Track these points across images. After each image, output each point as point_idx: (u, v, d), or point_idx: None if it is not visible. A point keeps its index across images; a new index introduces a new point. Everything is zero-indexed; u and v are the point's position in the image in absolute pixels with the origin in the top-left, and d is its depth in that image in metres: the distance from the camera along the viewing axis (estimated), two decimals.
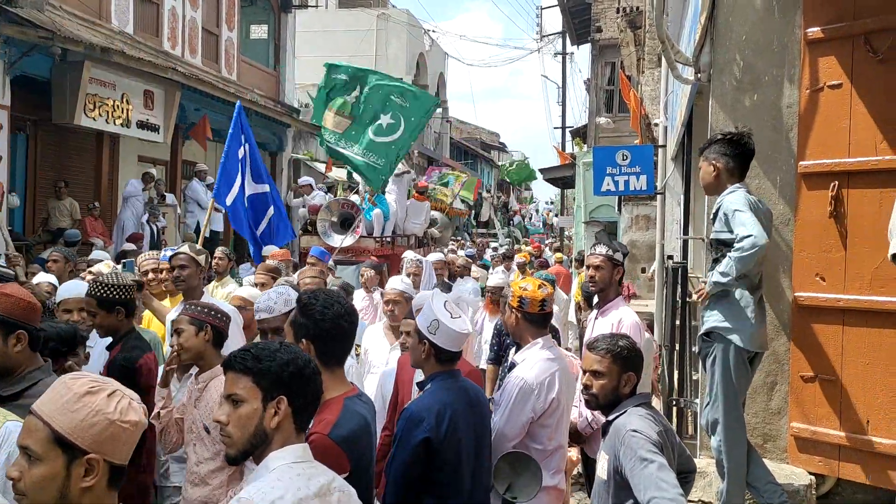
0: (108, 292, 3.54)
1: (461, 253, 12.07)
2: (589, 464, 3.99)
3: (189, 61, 13.02)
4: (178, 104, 11.65)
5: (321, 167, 16.65)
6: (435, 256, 8.02)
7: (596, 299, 4.24)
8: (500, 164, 44.55)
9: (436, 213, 14.13)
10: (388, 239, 10.34)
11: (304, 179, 13.89)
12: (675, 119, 7.47)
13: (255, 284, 5.58)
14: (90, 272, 5.55)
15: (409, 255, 7.60)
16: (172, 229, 11.57)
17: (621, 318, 3.94)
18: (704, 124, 4.77)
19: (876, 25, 3.84)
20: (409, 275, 6.64)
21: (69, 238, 9.01)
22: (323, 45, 24.44)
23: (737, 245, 3.44)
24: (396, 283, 4.72)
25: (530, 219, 34.79)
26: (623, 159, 8.22)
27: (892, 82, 3.80)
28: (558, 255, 15.58)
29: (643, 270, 11.70)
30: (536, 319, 3.34)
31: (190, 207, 12.43)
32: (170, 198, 11.92)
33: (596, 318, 4.14)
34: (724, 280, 3.50)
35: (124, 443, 1.59)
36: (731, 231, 3.49)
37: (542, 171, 22.99)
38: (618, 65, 17.77)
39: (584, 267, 4.22)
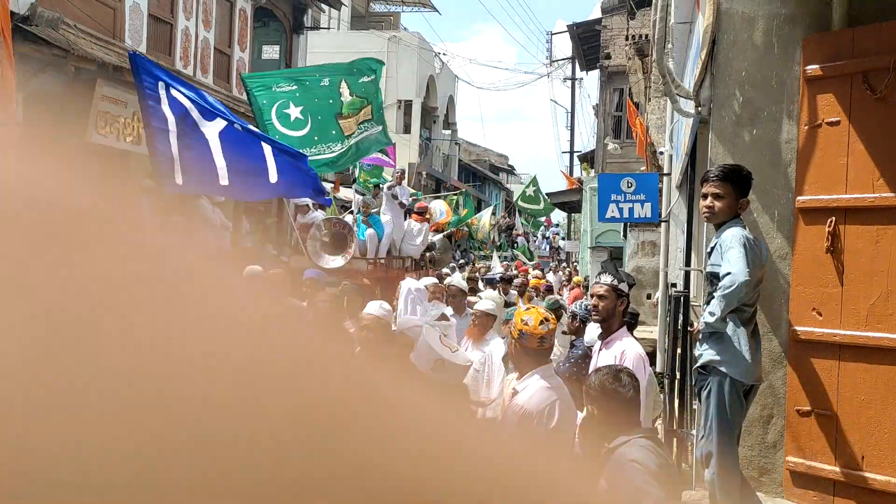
0: None
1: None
2: None
3: (201, 80, 13.19)
4: None
5: (327, 187, 16.76)
6: (429, 280, 7.75)
7: (599, 330, 4.27)
8: (508, 186, 44.68)
9: (435, 236, 14.07)
10: (382, 261, 10.25)
11: (299, 200, 13.49)
12: (679, 148, 7.55)
13: None
14: None
15: (417, 280, 7.47)
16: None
17: (624, 350, 3.94)
18: (707, 155, 4.83)
19: (874, 64, 3.90)
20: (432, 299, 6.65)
21: None
22: (330, 62, 24.68)
23: (720, 284, 3.49)
24: (373, 307, 4.62)
25: (536, 242, 34.80)
26: (628, 187, 8.25)
27: (890, 121, 3.86)
28: (578, 278, 15.57)
29: (649, 297, 11.69)
30: (535, 354, 3.36)
31: (197, 225, 12.51)
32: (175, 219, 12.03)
33: (600, 349, 4.14)
34: (712, 320, 3.54)
35: None
36: None
37: (549, 195, 23.07)
38: (626, 91, 17.90)
39: (589, 294, 4.22)
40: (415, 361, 2.93)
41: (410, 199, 11.59)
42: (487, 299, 7.57)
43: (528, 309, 3.47)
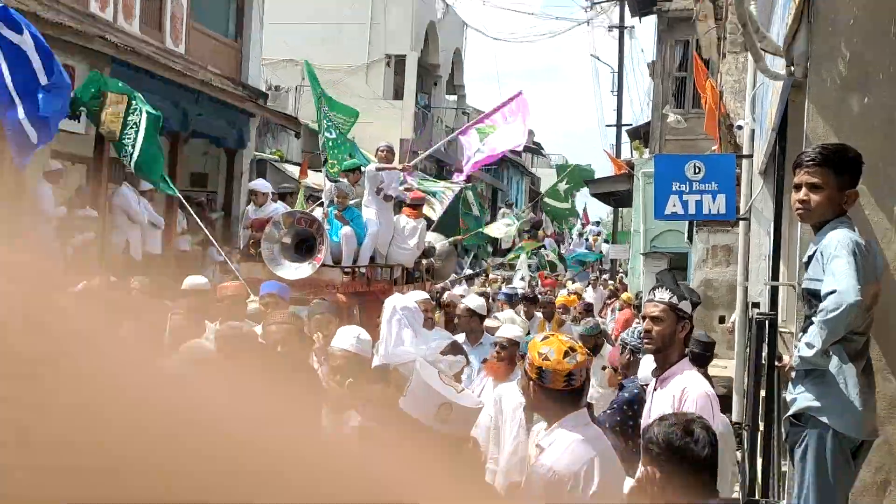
0: None
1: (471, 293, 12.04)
2: None
3: (123, 28, 13.25)
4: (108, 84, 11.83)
5: (294, 171, 16.82)
6: (418, 295, 7.49)
7: (652, 363, 4.26)
8: (533, 171, 44.75)
9: (434, 237, 13.87)
10: (363, 270, 10.14)
11: (259, 184, 13.08)
12: (764, 121, 7.54)
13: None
14: None
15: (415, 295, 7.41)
16: (92, 250, 11.68)
17: (685, 388, 3.94)
18: (801, 130, 4.82)
19: None
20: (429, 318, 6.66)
21: None
22: (300, 10, 24.76)
23: (821, 305, 3.48)
24: (345, 337, 4.57)
25: (569, 245, 34.82)
26: (695, 173, 8.27)
27: None
28: (627, 295, 15.58)
29: (721, 320, 11.69)
30: (561, 397, 3.36)
31: (117, 221, 12.55)
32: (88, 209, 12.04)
33: (654, 389, 4.15)
34: (809, 354, 3.52)
35: None
36: None
37: (588, 183, 23.08)
38: (692, 45, 17.88)
39: (640, 317, 4.24)
40: (409, 410, 2.90)
41: (403, 190, 11.45)
42: (511, 323, 7.56)
43: (545, 338, 3.47)
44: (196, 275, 9.17)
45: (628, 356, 5.68)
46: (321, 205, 10.74)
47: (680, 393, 3.93)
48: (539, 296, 13.71)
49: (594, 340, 8.57)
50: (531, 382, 3.40)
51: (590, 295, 18.06)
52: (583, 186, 28.73)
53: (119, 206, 12.60)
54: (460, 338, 7.77)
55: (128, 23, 13.49)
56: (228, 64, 16.72)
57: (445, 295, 11.91)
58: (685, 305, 4.06)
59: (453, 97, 32.71)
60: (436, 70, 30.09)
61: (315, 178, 15.82)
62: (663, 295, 4.07)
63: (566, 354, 3.34)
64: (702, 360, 6.31)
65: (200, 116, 14.15)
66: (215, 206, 16.11)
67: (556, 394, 3.35)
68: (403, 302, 6.10)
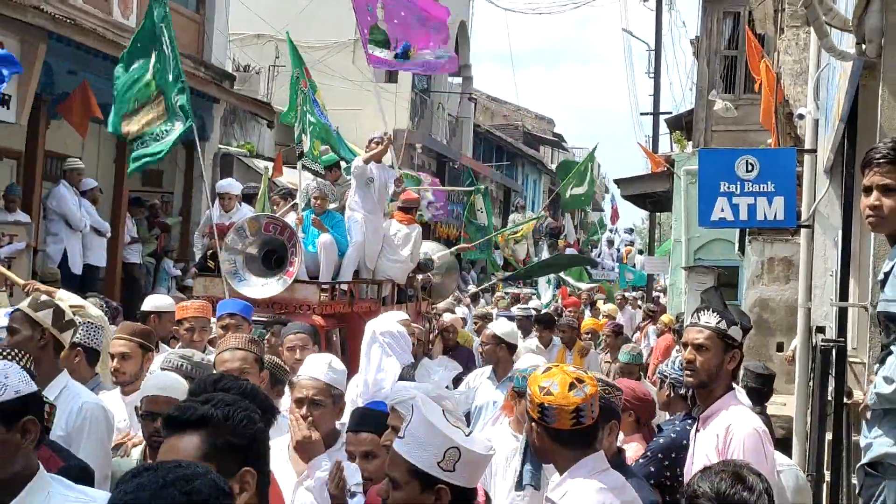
0: None
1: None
2: None
3: None
4: (42, 64, 11.84)
5: (265, 166, 16.83)
6: (398, 316, 7.20)
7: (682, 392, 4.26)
8: (552, 168, 44.79)
9: (432, 247, 13.71)
10: (345, 288, 9.98)
11: (230, 184, 12.75)
12: (830, 110, 7.54)
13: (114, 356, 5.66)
14: None
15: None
16: (24, 262, 11.68)
17: (729, 426, 3.95)
18: (874, 120, 4.82)
19: None
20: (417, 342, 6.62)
21: None
22: None
23: None
24: (315, 365, 4.50)
25: (598, 255, 34.79)
26: (748, 170, 8.28)
27: None
28: (668, 317, 15.55)
29: (780, 348, 11.66)
30: (571, 439, 3.37)
31: (53, 227, 12.55)
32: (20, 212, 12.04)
33: (696, 430, 4.16)
34: (888, 390, 3.51)
35: None
36: None
37: (619, 182, 23.08)
38: (743, 17, 17.90)
39: (681, 344, 4.26)
40: (405, 453, 2.89)
41: (394, 187, 11.27)
42: (531, 353, 7.54)
43: (547, 370, 3.48)
44: (157, 294, 9.15)
45: (668, 392, 5.68)
46: (296, 207, 10.66)
47: (724, 431, 3.95)
48: (556, 317, 13.57)
49: (639, 370, 8.56)
50: (534, 425, 3.41)
51: (620, 316, 18.04)
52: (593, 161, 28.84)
53: (55, 210, 12.61)
54: (486, 371, 7.78)
55: None
56: (188, 40, 16.73)
57: (444, 317, 11.72)
58: (735, 332, 4.07)
59: (458, 80, 32.70)
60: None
61: (291, 177, 15.83)
62: (709, 319, 4.08)
63: (572, 386, 3.35)
64: (759, 395, 6.30)
65: None
66: (171, 210, 16.13)
67: (565, 435, 3.36)
68: (384, 325, 6.07)
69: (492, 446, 3.05)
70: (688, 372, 4.12)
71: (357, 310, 9.78)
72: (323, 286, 9.51)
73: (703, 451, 4.04)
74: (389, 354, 5.70)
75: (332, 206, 10.26)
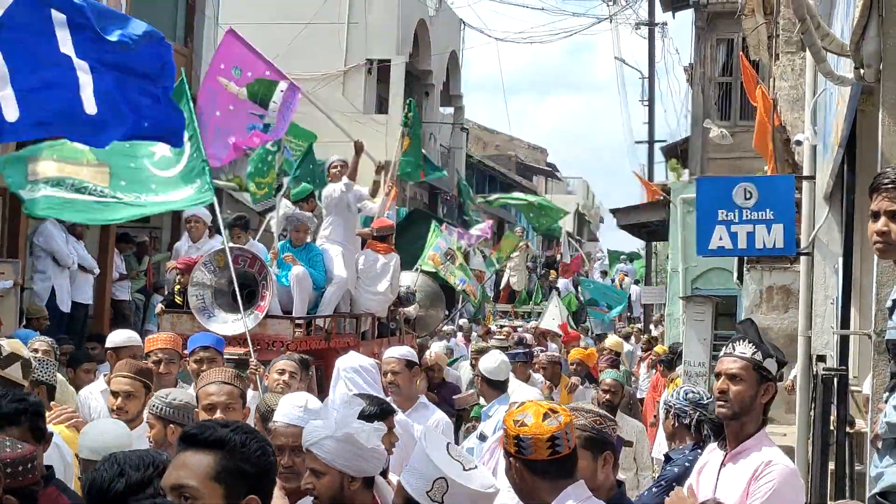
0: None
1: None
2: None
3: None
4: None
5: (228, 187, 16.77)
6: (398, 351, 7.08)
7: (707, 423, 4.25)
8: (546, 197, 44.88)
9: (413, 277, 13.44)
10: (322, 324, 9.66)
11: (195, 211, 11.35)
12: (828, 135, 7.59)
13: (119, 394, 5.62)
14: None
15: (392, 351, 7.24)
16: (11, 301, 11.66)
17: (770, 461, 3.94)
18: (874, 145, 4.85)
19: None
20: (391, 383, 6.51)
21: None
22: (261, 9, 24.88)
23: None
24: (289, 410, 4.37)
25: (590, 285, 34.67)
26: (745, 198, 8.32)
27: None
28: (660, 347, 15.55)
29: (779, 377, 11.68)
30: (549, 469, 3.37)
31: (40, 265, 12.54)
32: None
33: (723, 463, 4.13)
34: None
35: None
36: None
37: (615, 212, 23.12)
38: (737, 45, 18.01)
39: (715, 374, 4.21)
40: (406, 484, 3.00)
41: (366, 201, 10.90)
42: (526, 387, 7.47)
43: (520, 406, 3.54)
44: (125, 329, 8.93)
45: (673, 422, 5.72)
46: (274, 231, 10.34)
47: (761, 468, 3.94)
48: (535, 351, 12.53)
49: (622, 390, 8.41)
50: (512, 461, 3.41)
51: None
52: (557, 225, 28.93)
53: (43, 247, 12.61)
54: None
55: None
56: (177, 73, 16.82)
57: (428, 353, 10.93)
58: (770, 364, 4.05)
59: (449, 110, 32.84)
60: (427, 77, 30.27)
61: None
62: (745, 349, 4.07)
63: (546, 416, 3.39)
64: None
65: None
66: (159, 246, 16.11)
67: (543, 466, 3.37)
68: (349, 361, 6.02)
69: (493, 485, 3.05)
70: (720, 402, 4.08)
71: (335, 346, 9.46)
72: (297, 321, 9.27)
73: (729, 487, 4.01)
74: (351, 390, 5.63)
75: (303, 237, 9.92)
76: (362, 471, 3.62)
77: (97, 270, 13.07)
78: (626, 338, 20.45)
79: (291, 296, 9.48)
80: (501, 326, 20.01)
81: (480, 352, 12.41)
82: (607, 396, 8.00)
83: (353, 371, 5.83)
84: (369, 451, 3.60)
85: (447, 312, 20.59)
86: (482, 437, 6.72)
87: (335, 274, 9.88)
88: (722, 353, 4.26)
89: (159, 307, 10.05)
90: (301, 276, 9.43)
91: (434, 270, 16.00)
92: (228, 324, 8.81)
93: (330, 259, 9.94)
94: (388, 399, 5.81)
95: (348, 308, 10.34)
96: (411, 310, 12.22)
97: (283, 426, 4.35)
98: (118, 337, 7.78)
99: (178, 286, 9.71)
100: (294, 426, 4.29)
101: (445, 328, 19.08)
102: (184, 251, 10.91)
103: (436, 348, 12.47)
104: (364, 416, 4.54)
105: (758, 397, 4.04)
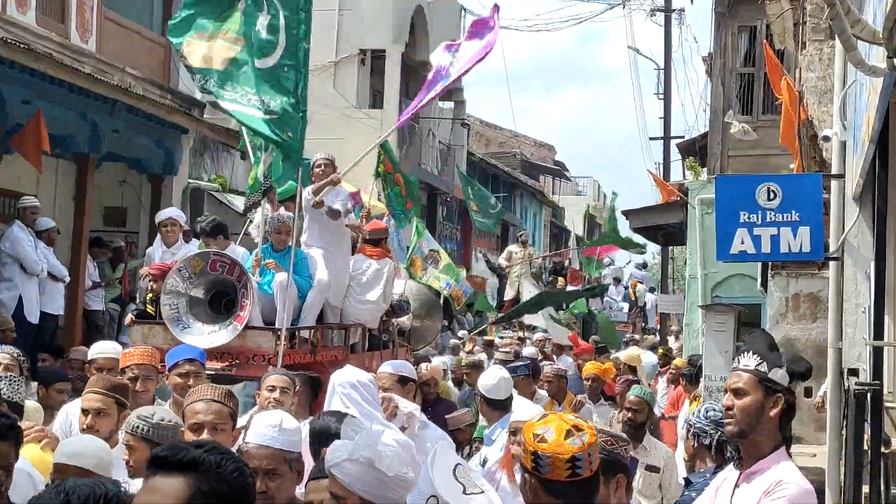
0: None
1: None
2: None
3: (15, 19, 13.31)
4: None
5: (241, 202, 16.79)
6: (392, 365, 7.27)
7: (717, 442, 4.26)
8: (554, 199, 44.90)
9: (409, 285, 13.28)
10: (306, 336, 9.53)
11: (172, 213, 11.72)
12: (859, 130, 7.58)
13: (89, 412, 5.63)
14: None
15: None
16: None
17: (781, 480, 3.95)
18: None
19: None
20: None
21: None
22: None
23: None
24: (262, 429, 4.35)
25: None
26: (769, 198, 8.33)
27: None
28: (680, 360, 15.49)
29: (808, 393, 11.64)
30: (567, 491, 3.37)
31: (7, 272, 12.52)
32: None
33: (737, 484, 4.15)
34: None
35: None
36: None
37: (627, 214, 23.11)
38: (760, 33, 18.00)
39: (722, 390, 4.26)
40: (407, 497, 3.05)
41: (351, 206, 10.72)
42: (525, 401, 7.44)
43: (543, 418, 3.53)
44: (106, 341, 8.88)
45: (693, 442, 5.76)
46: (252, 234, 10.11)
47: (773, 485, 3.95)
48: (540, 364, 12.47)
49: (648, 413, 8.22)
50: (527, 476, 3.42)
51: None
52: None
53: (9, 253, 12.59)
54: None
55: (21, 12, 13.56)
56: (153, 65, 16.81)
57: (423, 368, 10.59)
58: (777, 375, 4.07)
59: (449, 104, 32.81)
60: (426, 69, 30.11)
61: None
62: (748, 361, 4.11)
63: (569, 434, 3.37)
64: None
65: (116, 133, 14.18)
66: (136, 252, 16.09)
67: (561, 488, 3.36)
68: (346, 375, 5.95)
69: None
70: (726, 420, 4.13)
71: (322, 359, 9.43)
72: (278, 332, 9.02)
73: None
74: (348, 407, 5.60)
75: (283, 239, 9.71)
76: (386, 498, 3.62)
77: (68, 278, 13.02)
78: (653, 348, 20.34)
79: (274, 305, 9.28)
80: (502, 338, 19.88)
81: (473, 367, 12.24)
82: (630, 415, 7.83)
83: (350, 386, 5.75)
84: (392, 478, 3.61)
85: (446, 323, 20.54)
86: (485, 463, 6.73)
87: (316, 277, 9.72)
88: (733, 366, 4.29)
89: (129, 317, 9.92)
90: (285, 283, 9.21)
91: (416, 279, 15.72)
92: (205, 335, 8.68)
93: (313, 262, 9.81)
94: (380, 416, 5.82)
95: (336, 318, 10.23)
96: (405, 320, 12.05)
97: (254, 447, 4.31)
98: (98, 349, 7.79)
99: (151, 294, 9.51)
100: (267, 447, 4.28)
101: (452, 341, 19.08)
102: (157, 256, 10.72)
103: (437, 362, 12.40)
104: (333, 435, 4.54)
105: (764, 411, 4.04)
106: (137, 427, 4.98)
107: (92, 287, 14.02)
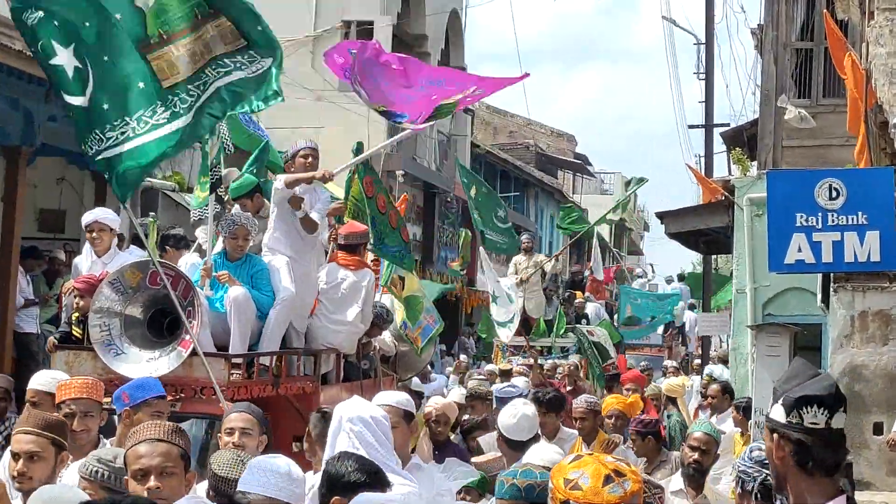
0: None
1: None
2: None
3: None
4: None
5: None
6: (387, 398, 7.01)
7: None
8: (575, 199, 44.95)
9: (388, 302, 12.81)
10: (267, 363, 9.28)
11: (94, 214, 10.97)
12: None
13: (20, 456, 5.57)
14: None
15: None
16: None
17: None
18: None
19: None
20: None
21: None
22: None
23: None
24: (265, 478, 4.51)
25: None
26: (831, 197, 8.36)
27: None
28: (715, 387, 15.46)
29: (878, 430, 11.63)
30: None
31: None
32: None
33: None
34: None
35: None
36: None
37: (663, 217, 23.11)
38: (820, 1, 17.99)
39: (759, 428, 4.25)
40: None
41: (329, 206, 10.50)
42: (544, 445, 7.43)
43: (576, 459, 3.52)
44: (46, 370, 8.79)
45: (736, 488, 5.72)
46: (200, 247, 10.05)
47: None
48: (563, 395, 11.43)
49: (715, 450, 8.04)
50: None
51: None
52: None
53: None
54: None
55: None
56: None
57: (433, 402, 10.49)
58: (775, 411, 3.87)
59: None
60: (422, 44, 30.31)
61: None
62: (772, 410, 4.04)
63: (608, 480, 3.37)
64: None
65: (53, 123, 14.17)
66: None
67: None
68: (355, 409, 5.90)
69: None
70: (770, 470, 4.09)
71: (285, 392, 9.25)
72: (234, 360, 8.97)
73: None
74: (358, 448, 5.56)
75: (242, 246, 9.37)
76: None
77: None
78: (699, 372, 20.32)
79: (227, 326, 9.10)
80: (516, 363, 19.80)
81: (474, 397, 11.83)
82: (695, 455, 7.64)
83: (360, 422, 5.68)
84: None
85: (442, 347, 20.48)
86: None
87: (280, 292, 9.42)
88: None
89: (51, 341, 9.67)
90: (240, 299, 9.00)
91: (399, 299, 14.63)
92: (142, 363, 8.48)
93: (275, 273, 9.52)
94: (394, 461, 5.81)
95: (302, 342, 9.96)
96: (389, 343, 11.84)
97: (260, 499, 4.42)
98: (37, 381, 7.70)
99: (77, 313, 9.32)
100: (275, 500, 4.41)
101: (448, 370, 19.05)
102: (85, 268, 10.39)
103: (453, 396, 12.17)
104: (349, 484, 4.52)
105: (784, 459, 3.84)
106: (97, 472, 5.04)
107: (24, 305, 14.02)
